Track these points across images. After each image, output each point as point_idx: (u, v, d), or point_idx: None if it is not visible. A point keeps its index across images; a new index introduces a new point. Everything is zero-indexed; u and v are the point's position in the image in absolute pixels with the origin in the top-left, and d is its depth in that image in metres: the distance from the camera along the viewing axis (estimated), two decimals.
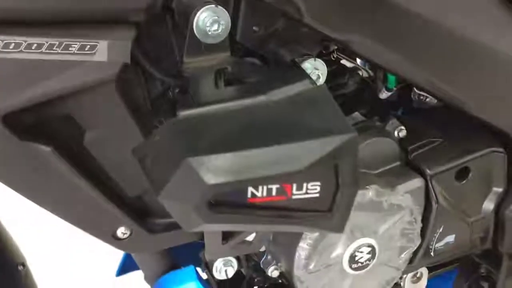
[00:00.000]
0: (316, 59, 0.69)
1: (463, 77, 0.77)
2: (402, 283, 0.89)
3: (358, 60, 0.90)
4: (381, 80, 0.88)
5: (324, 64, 0.69)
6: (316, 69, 0.68)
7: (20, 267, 0.85)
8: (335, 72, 0.83)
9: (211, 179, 0.55)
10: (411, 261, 0.84)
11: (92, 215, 0.69)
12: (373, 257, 0.79)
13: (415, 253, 0.83)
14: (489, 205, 0.87)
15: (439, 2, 0.71)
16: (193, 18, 0.61)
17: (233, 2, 0.67)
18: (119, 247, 0.73)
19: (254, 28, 0.68)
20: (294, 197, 0.58)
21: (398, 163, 0.81)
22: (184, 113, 0.59)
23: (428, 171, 0.81)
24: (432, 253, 0.85)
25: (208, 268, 0.82)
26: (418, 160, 0.81)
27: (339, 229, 0.62)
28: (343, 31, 0.69)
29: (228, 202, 0.57)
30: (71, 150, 0.65)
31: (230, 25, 0.62)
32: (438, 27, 0.70)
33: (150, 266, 0.84)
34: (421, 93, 0.89)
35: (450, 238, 0.85)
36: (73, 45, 0.58)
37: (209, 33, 0.62)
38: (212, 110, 0.60)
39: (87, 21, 0.59)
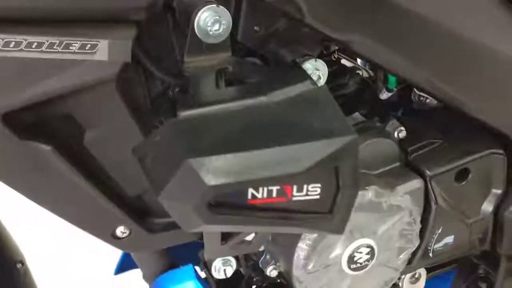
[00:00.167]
0: (317, 59, 0.68)
1: (463, 77, 0.77)
2: (400, 284, 0.89)
3: (359, 61, 0.90)
4: (381, 81, 0.88)
5: (325, 64, 0.69)
6: (317, 69, 0.68)
7: (19, 265, 0.85)
8: (336, 73, 0.83)
9: (211, 180, 0.55)
10: (409, 261, 0.84)
11: (92, 214, 0.69)
12: (372, 257, 0.79)
13: (413, 253, 0.84)
14: (488, 206, 0.87)
15: (439, 2, 0.71)
16: (194, 18, 0.61)
17: (234, 2, 0.66)
18: (118, 246, 0.73)
19: (255, 28, 0.68)
20: (294, 198, 0.58)
21: (397, 164, 0.81)
22: (184, 113, 0.59)
23: (427, 172, 0.81)
24: (430, 254, 0.85)
25: (206, 267, 0.82)
26: (418, 161, 0.81)
27: (339, 230, 0.62)
28: (344, 31, 0.68)
29: (228, 203, 0.57)
30: (71, 149, 0.65)
31: (231, 25, 0.62)
32: (438, 27, 0.70)
33: (148, 265, 0.84)
34: (421, 94, 0.89)
35: (449, 239, 0.85)
36: (73, 44, 0.58)
37: (210, 32, 0.61)
38: (212, 110, 0.60)
39: (87, 20, 0.59)
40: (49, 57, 0.58)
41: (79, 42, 0.58)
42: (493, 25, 0.75)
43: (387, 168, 0.80)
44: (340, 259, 0.77)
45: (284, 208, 0.59)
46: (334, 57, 0.83)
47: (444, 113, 0.87)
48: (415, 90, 0.90)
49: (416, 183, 0.80)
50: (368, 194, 0.76)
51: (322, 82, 0.69)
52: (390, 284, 0.85)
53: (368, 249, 0.78)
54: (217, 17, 0.61)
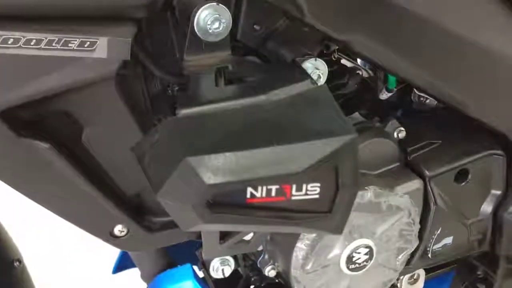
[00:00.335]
0: (317, 59, 0.68)
1: (463, 77, 0.77)
2: (399, 285, 0.89)
3: (359, 61, 0.89)
4: (381, 81, 0.88)
5: (325, 64, 0.69)
6: (317, 69, 0.68)
7: (16, 263, 0.85)
8: (336, 72, 0.83)
9: (210, 178, 0.54)
10: (408, 262, 0.84)
11: (90, 212, 0.69)
12: (370, 258, 0.79)
13: (412, 254, 0.83)
14: (487, 207, 0.87)
15: (439, 2, 0.71)
16: (194, 16, 0.61)
17: (234, 1, 0.66)
18: (116, 245, 0.73)
19: (255, 26, 0.68)
20: (293, 198, 0.58)
21: (397, 164, 0.81)
22: (183, 112, 0.59)
23: (427, 173, 0.81)
24: (429, 255, 0.85)
25: (205, 266, 0.81)
26: (417, 161, 0.81)
27: (338, 230, 0.61)
28: (344, 31, 0.68)
29: (227, 202, 0.57)
30: (69, 147, 0.65)
31: (231, 23, 0.62)
32: (437, 28, 0.70)
33: (146, 264, 0.84)
34: (421, 94, 0.89)
35: (448, 240, 0.85)
36: (72, 41, 0.58)
37: (210, 31, 0.61)
38: (212, 109, 0.59)
39: (87, 17, 0.59)
40: (48, 54, 0.57)
41: (78, 39, 0.58)
42: (493, 25, 0.75)
43: (387, 168, 0.80)
44: (338, 259, 0.77)
45: (283, 207, 0.59)
46: (334, 57, 0.83)
47: (444, 114, 0.87)
48: (415, 90, 0.90)
49: (415, 184, 0.80)
50: (367, 194, 0.76)
51: (322, 81, 0.68)
52: (389, 285, 0.85)
53: (367, 250, 0.78)
54: (217, 16, 0.61)
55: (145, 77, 0.68)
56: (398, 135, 0.80)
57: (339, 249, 0.77)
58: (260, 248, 0.78)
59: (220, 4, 0.61)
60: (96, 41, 0.58)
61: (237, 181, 0.55)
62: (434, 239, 0.84)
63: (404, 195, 0.78)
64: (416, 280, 0.91)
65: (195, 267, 0.82)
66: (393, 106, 0.93)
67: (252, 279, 0.87)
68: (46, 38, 0.57)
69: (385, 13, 0.68)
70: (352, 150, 0.58)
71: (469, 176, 0.84)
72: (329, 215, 0.60)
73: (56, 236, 1.65)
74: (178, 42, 0.67)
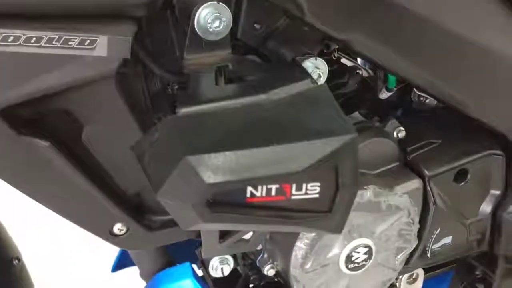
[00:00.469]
0: (317, 58, 0.68)
1: (463, 77, 0.77)
2: (398, 284, 0.89)
3: (359, 60, 0.89)
4: (381, 80, 0.88)
5: (325, 63, 0.69)
6: (317, 68, 0.68)
7: (15, 262, 0.85)
8: (336, 72, 0.83)
9: (210, 178, 0.54)
10: (407, 262, 0.84)
11: (89, 211, 0.69)
12: (369, 257, 0.79)
13: (411, 254, 0.84)
14: (486, 207, 0.87)
15: (439, 2, 0.71)
16: (195, 15, 0.61)
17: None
18: (115, 243, 0.73)
19: (255, 25, 0.68)
20: (293, 197, 0.58)
21: (396, 163, 0.81)
22: (183, 110, 0.59)
23: (426, 172, 0.81)
24: (428, 254, 0.85)
25: (204, 265, 0.81)
26: (417, 161, 0.81)
27: (338, 230, 0.61)
28: (344, 30, 0.68)
29: (226, 201, 0.57)
30: (69, 146, 0.65)
31: (231, 22, 0.62)
32: (438, 27, 0.70)
33: (146, 262, 0.84)
34: (421, 94, 0.89)
35: (447, 240, 0.85)
36: (72, 39, 0.58)
37: (210, 30, 0.61)
38: (212, 107, 0.59)
39: (87, 15, 0.58)
40: (48, 52, 0.57)
41: (78, 38, 0.58)
42: (493, 25, 0.75)
43: (386, 168, 0.80)
44: (338, 258, 0.77)
45: (283, 207, 0.59)
46: (334, 56, 0.83)
47: (444, 113, 0.87)
48: (415, 90, 0.90)
49: (415, 183, 0.80)
50: (367, 194, 0.76)
51: (322, 80, 0.68)
52: (388, 284, 0.85)
53: (366, 249, 0.78)
54: (217, 14, 0.61)
55: (145, 75, 0.68)
56: (397, 135, 0.80)
57: (339, 249, 0.77)
58: (259, 247, 0.78)
59: (220, 3, 0.61)
60: (96, 39, 0.58)
61: (237, 180, 0.55)
62: (433, 239, 0.84)
63: (404, 195, 0.78)
64: (415, 280, 0.91)
65: (194, 266, 0.82)
66: (393, 105, 0.93)
67: (251, 278, 0.87)
68: (46, 36, 0.57)
69: (385, 12, 0.68)
70: (352, 150, 0.58)
71: (469, 176, 0.84)
72: (329, 214, 0.60)
73: (56, 235, 1.65)
74: (178, 40, 0.67)
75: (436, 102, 0.89)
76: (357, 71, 0.86)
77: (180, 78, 0.66)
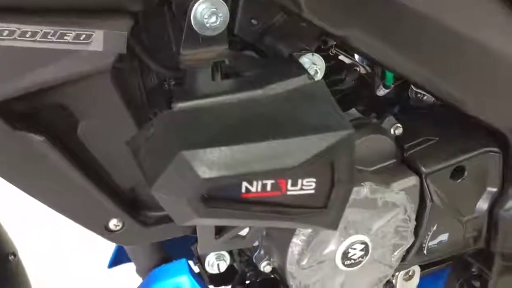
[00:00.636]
0: (314, 54, 0.68)
1: (461, 75, 0.77)
2: (394, 281, 0.89)
3: (356, 56, 0.89)
4: (378, 77, 0.88)
5: (322, 59, 0.69)
6: (314, 64, 0.68)
7: (11, 257, 0.85)
8: (333, 68, 0.82)
9: (205, 173, 0.54)
10: (404, 259, 0.84)
11: (85, 206, 0.69)
12: (366, 254, 0.79)
13: (408, 251, 0.83)
14: (483, 204, 0.87)
15: None
16: (191, 10, 0.60)
17: None
18: (111, 239, 0.72)
19: (252, 21, 0.68)
20: (288, 193, 0.58)
21: (393, 160, 0.81)
22: (179, 106, 0.59)
23: (423, 169, 0.80)
24: (425, 251, 0.85)
25: (200, 262, 0.81)
26: (414, 158, 0.81)
27: (334, 226, 0.61)
28: (342, 26, 0.68)
29: (222, 196, 0.57)
30: (64, 140, 0.65)
31: (228, 17, 0.62)
32: (436, 25, 0.70)
33: (142, 258, 0.84)
34: (418, 91, 0.89)
35: (444, 237, 0.85)
36: (68, 34, 0.58)
37: (207, 25, 0.61)
38: (208, 103, 0.59)
39: (83, 9, 0.58)
40: (43, 47, 0.57)
41: (73, 32, 0.57)
42: (493, 24, 0.74)
43: (383, 164, 0.80)
44: (334, 255, 0.77)
45: (278, 202, 0.58)
46: (332, 52, 0.83)
47: (441, 111, 0.87)
48: (412, 87, 0.90)
49: (411, 180, 0.80)
50: (363, 191, 0.75)
51: (319, 76, 0.68)
52: (384, 281, 0.85)
53: (363, 246, 0.78)
54: (214, 10, 0.61)
55: (141, 70, 0.68)
56: (395, 132, 0.80)
57: (335, 245, 0.77)
58: (255, 243, 0.78)
59: None
60: (92, 34, 0.58)
61: (232, 176, 0.55)
62: (429, 236, 0.84)
63: (400, 192, 0.78)
64: (411, 277, 0.91)
65: (191, 262, 0.82)
66: (390, 102, 0.93)
67: (248, 274, 0.87)
68: (41, 30, 0.57)
69: (383, 8, 0.68)
70: (349, 146, 0.58)
71: (465, 173, 0.83)
72: (324, 210, 0.60)
73: (54, 233, 1.65)
74: (174, 36, 0.67)
75: (433, 99, 0.89)
76: (355, 67, 0.86)
77: (176, 74, 0.66)
